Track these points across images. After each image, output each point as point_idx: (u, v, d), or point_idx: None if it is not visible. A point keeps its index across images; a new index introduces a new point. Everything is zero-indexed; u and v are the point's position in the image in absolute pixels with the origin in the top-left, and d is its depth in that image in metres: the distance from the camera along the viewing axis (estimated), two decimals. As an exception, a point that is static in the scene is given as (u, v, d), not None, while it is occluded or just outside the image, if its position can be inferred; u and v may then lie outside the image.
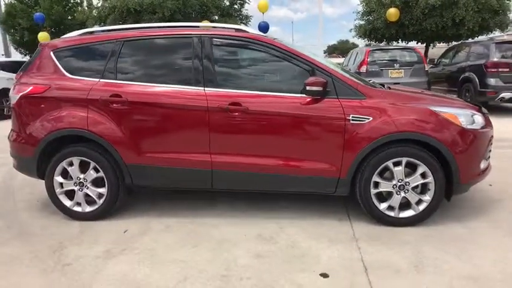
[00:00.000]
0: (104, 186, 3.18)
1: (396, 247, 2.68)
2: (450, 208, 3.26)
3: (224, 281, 2.32)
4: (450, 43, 13.72)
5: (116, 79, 3.10)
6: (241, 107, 2.92)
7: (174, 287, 2.27)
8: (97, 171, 3.15)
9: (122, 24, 12.40)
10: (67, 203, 3.24)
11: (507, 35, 11.52)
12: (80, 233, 3.04)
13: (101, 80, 3.11)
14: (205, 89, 2.98)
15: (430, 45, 15.53)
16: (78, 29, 3.66)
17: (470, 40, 11.72)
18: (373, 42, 15.14)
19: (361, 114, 2.85)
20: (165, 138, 3.06)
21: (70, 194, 3.24)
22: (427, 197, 2.92)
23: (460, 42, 11.40)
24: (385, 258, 2.53)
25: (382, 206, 2.97)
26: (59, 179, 3.20)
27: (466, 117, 2.91)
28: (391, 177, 2.95)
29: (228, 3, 15.64)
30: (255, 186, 3.15)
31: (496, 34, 12.81)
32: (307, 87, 2.78)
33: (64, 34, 3.58)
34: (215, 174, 3.05)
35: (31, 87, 3.17)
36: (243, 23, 16.31)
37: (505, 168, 4.36)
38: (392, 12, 12.68)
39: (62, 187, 3.22)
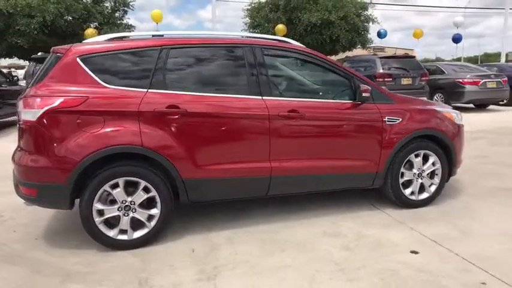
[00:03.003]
0: (153, 207, 2.88)
1: (434, 222, 3.28)
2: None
3: (345, 272, 2.49)
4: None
5: (167, 89, 2.87)
6: (298, 113, 3.10)
7: (310, 286, 2.33)
8: (146, 191, 2.84)
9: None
10: (109, 232, 2.80)
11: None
12: (142, 261, 2.69)
13: (150, 90, 2.83)
14: (263, 97, 3.05)
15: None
16: None
17: (355, 55, 13.94)
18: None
19: (393, 116, 3.39)
20: (225, 148, 2.99)
21: (110, 222, 2.82)
22: (436, 180, 3.65)
23: (345, 57, 13.49)
24: (436, 231, 3.09)
25: (407, 192, 3.57)
26: (98, 205, 2.75)
27: (456, 115, 3.77)
28: (411, 168, 3.57)
29: (110, 10, 14.61)
30: (307, 188, 3.35)
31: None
32: (363, 94, 3.17)
33: None
34: (273, 181, 3.13)
35: (61, 100, 2.65)
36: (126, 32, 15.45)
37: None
38: (281, 28, 14.12)
39: (102, 215, 2.78)
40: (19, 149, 2.84)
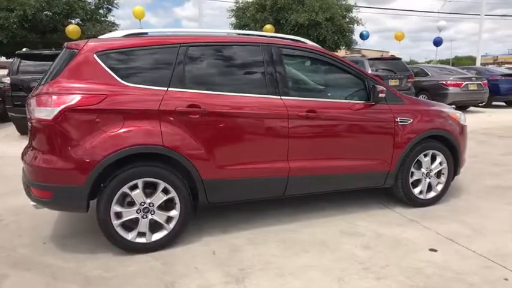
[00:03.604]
0: (172, 208, 2.81)
1: (444, 221, 3.35)
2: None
3: (371, 271, 2.51)
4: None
5: (186, 88, 2.80)
6: (315, 113, 3.10)
7: (340, 286, 2.34)
8: (165, 192, 2.76)
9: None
10: (127, 235, 2.71)
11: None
12: (163, 265, 2.62)
13: (170, 89, 2.75)
14: (282, 97, 3.03)
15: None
16: None
17: (343, 57, 14.16)
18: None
19: (405, 116, 3.44)
20: (245, 148, 2.95)
21: (127, 225, 2.73)
22: (443, 180, 3.74)
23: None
24: (449, 229, 3.16)
25: (416, 191, 3.64)
26: (116, 208, 2.65)
27: (460, 115, 3.87)
28: (419, 167, 3.64)
29: (93, 6, 14.21)
30: (322, 188, 3.36)
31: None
32: (380, 95, 3.20)
33: None
34: (290, 181, 3.11)
35: (78, 98, 2.54)
36: (105, 31, 15.08)
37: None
38: (268, 28, 14.13)
39: (120, 217, 2.68)
40: (31, 148, 2.71)
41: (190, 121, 2.75)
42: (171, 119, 2.71)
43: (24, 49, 8.17)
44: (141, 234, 2.75)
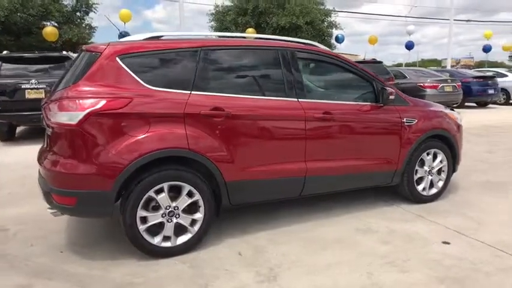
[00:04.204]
0: (196, 211, 2.82)
1: (448, 215, 3.53)
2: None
3: (395, 265, 2.62)
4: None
5: (208, 91, 2.83)
6: (330, 115, 3.21)
7: (371, 283, 2.43)
8: (190, 195, 2.78)
9: None
10: (152, 240, 2.70)
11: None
12: (192, 268, 2.63)
13: (193, 92, 2.77)
14: (299, 100, 3.12)
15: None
16: None
17: None
18: None
19: (410, 117, 3.60)
20: (265, 150, 3.01)
21: (151, 229, 2.72)
22: (443, 177, 3.94)
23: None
24: (455, 223, 3.34)
25: (419, 188, 3.81)
26: (142, 212, 2.64)
27: (458, 116, 4.09)
28: (422, 165, 3.81)
29: (70, 9, 13.80)
30: (336, 188, 3.47)
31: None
32: (390, 97, 3.34)
33: None
34: (307, 181, 3.20)
35: (104, 101, 2.52)
36: (83, 34, 14.73)
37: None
38: (250, 32, 14.21)
39: (146, 222, 2.67)
40: (51, 153, 2.65)
41: (214, 124, 2.78)
42: (196, 122, 2.73)
43: (4, 52, 7.86)
44: (166, 238, 2.75)
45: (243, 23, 15.18)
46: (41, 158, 2.80)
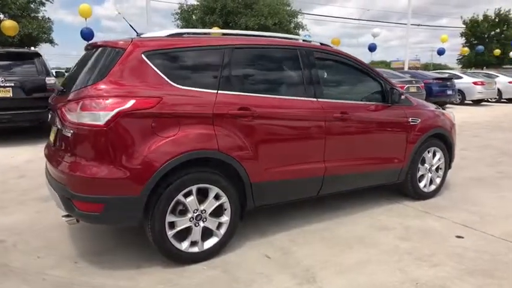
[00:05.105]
0: (221, 214, 2.73)
1: (451, 210, 3.69)
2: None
3: (423, 260, 2.70)
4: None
5: (234, 90, 2.75)
6: (347, 115, 3.24)
7: (409, 279, 2.48)
8: (217, 198, 2.68)
9: None
10: (180, 245, 2.58)
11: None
12: (225, 273, 2.54)
13: (220, 92, 2.68)
14: (318, 99, 3.12)
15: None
16: None
17: None
18: None
19: (415, 116, 3.73)
20: (288, 150, 2.98)
21: (179, 234, 2.59)
22: (441, 173, 4.13)
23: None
24: (460, 217, 3.49)
25: (421, 185, 3.96)
26: (170, 217, 2.51)
27: (452, 115, 4.30)
28: (423, 163, 3.97)
29: (25, 1, 12.86)
30: (350, 186, 3.51)
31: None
32: (402, 97, 3.44)
33: None
34: (325, 180, 3.21)
35: (133, 101, 2.36)
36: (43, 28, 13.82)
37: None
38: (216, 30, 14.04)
39: (174, 227, 2.54)
40: (70, 156, 2.43)
41: (240, 124, 2.71)
42: (224, 122, 2.64)
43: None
44: (194, 243, 2.64)
45: (211, 22, 14.98)
46: (54, 160, 2.58)
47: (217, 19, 15.15)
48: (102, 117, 2.30)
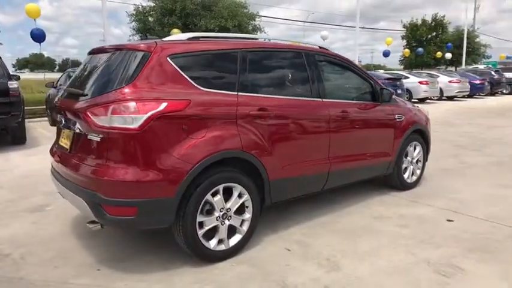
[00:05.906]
0: (243, 212, 2.82)
1: (436, 198, 4.06)
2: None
3: (427, 243, 2.98)
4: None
5: (251, 92, 2.85)
6: (347, 113, 3.48)
7: (420, 259, 2.74)
8: (239, 196, 2.77)
9: None
10: (209, 244, 2.63)
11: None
12: (254, 267, 2.64)
13: (240, 93, 2.77)
14: (323, 100, 3.31)
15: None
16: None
17: None
18: None
19: (400, 114, 4.07)
20: (300, 148, 3.14)
21: (208, 234, 2.65)
22: (420, 165, 4.52)
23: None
24: (443, 204, 3.86)
25: (405, 176, 4.32)
26: (200, 217, 2.56)
27: (426, 111, 4.71)
28: (406, 156, 4.33)
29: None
30: (348, 180, 3.74)
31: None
32: (393, 96, 3.73)
33: None
34: (330, 175, 3.41)
35: (165, 103, 2.38)
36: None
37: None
38: (176, 32, 13.86)
39: (203, 226, 2.59)
40: (98, 160, 2.39)
41: (260, 124, 2.82)
42: (245, 123, 2.74)
43: None
44: (220, 241, 2.70)
45: (170, 23, 14.75)
46: (74, 165, 2.51)
47: (176, 21, 14.93)
48: (136, 121, 2.30)
